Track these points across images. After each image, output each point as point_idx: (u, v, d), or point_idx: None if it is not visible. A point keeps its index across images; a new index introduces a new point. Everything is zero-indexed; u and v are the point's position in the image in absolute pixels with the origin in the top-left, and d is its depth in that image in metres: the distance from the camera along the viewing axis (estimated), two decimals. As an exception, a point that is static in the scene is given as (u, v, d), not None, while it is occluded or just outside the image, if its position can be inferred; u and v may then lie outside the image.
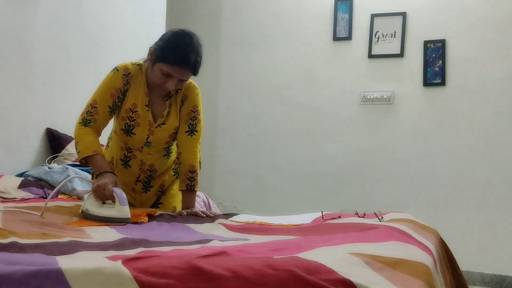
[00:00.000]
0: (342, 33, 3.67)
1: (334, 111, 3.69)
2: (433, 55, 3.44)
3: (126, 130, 1.97)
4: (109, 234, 1.47)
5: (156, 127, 1.97)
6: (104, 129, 2.00)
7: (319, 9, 3.75)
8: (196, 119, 2.02)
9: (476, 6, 3.37)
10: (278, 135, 3.83)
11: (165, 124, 1.98)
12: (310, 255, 1.05)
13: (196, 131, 2.02)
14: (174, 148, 2.10)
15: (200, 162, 2.07)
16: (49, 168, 2.53)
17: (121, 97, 1.96)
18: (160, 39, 1.92)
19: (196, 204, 3.05)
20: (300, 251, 1.11)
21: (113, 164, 2.05)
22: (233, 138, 3.97)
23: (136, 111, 1.95)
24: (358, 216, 1.77)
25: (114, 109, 1.96)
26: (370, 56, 3.60)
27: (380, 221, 1.64)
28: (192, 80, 2.02)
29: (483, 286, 3.20)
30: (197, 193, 3.29)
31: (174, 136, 2.03)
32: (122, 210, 1.68)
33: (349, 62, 3.67)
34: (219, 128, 4.00)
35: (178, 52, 1.84)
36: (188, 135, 2.01)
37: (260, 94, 3.90)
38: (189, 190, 2.00)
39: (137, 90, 1.96)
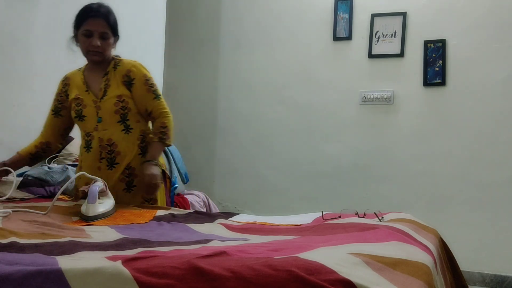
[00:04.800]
0: (342, 33, 3.67)
1: (334, 111, 3.69)
2: (433, 55, 3.44)
3: (78, 115, 2.16)
4: (109, 234, 1.47)
5: (100, 101, 2.14)
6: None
7: (319, 9, 3.75)
8: (153, 85, 2.19)
9: (476, 6, 3.37)
10: (278, 135, 3.83)
11: (106, 95, 2.14)
12: (310, 255, 1.05)
13: (159, 95, 2.21)
14: (135, 125, 2.17)
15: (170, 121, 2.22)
16: (49, 168, 2.52)
17: (62, 99, 2.24)
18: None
19: (196, 204, 3.05)
20: (300, 251, 1.11)
21: (81, 160, 2.22)
22: (233, 138, 3.96)
23: (79, 97, 2.17)
24: (358, 216, 1.77)
25: (57, 111, 2.26)
26: (370, 56, 3.60)
27: (380, 221, 1.64)
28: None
29: (483, 286, 3.20)
30: (197, 193, 3.31)
31: (120, 105, 2.13)
32: None
33: (349, 62, 3.67)
34: (219, 128, 4.00)
35: (83, 10, 2.12)
36: (154, 99, 2.18)
37: (260, 94, 3.89)
38: (160, 142, 2.17)
39: (76, 84, 2.21)
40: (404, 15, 3.52)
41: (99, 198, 1.78)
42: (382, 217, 1.70)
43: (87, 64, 2.24)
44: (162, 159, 2.31)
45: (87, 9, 2.11)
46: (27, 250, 1.17)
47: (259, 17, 3.92)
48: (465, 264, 2.22)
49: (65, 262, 1.01)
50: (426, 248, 1.34)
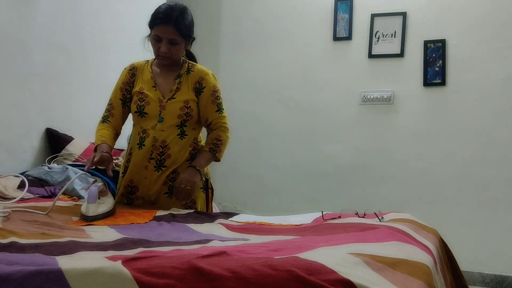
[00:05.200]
0: (342, 33, 3.67)
1: (334, 111, 3.69)
2: (433, 55, 3.44)
3: (139, 111, 2.12)
4: (109, 234, 1.47)
5: (166, 102, 2.12)
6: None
7: (319, 9, 3.75)
8: (219, 98, 2.21)
9: (476, 6, 3.37)
10: (278, 135, 3.83)
11: (174, 98, 2.12)
12: (310, 255, 1.05)
13: (223, 109, 2.23)
14: (190, 132, 2.16)
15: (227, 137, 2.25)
16: (49, 168, 2.52)
17: (130, 89, 2.18)
18: None
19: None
20: (300, 251, 1.11)
21: (130, 154, 2.16)
22: (233, 138, 3.91)
23: (144, 92, 2.13)
24: (358, 216, 1.77)
25: (125, 101, 2.18)
26: (370, 56, 3.60)
27: (380, 221, 1.64)
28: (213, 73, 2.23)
29: (483, 286, 3.20)
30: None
31: (185, 110, 2.12)
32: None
33: (349, 62, 3.67)
34: (219, 128, 4.00)
35: (155, 13, 2.07)
36: (217, 111, 2.20)
37: (260, 94, 3.89)
38: (210, 152, 2.17)
39: (143, 77, 2.18)
40: (404, 15, 3.52)
41: (99, 198, 1.78)
42: (382, 217, 1.70)
43: (155, 59, 2.21)
44: (208, 168, 2.28)
45: (158, 14, 2.06)
46: (27, 250, 1.17)
47: (259, 17, 3.92)
48: (465, 264, 2.22)
49: (65, 262, 1.01)
50: (426, 248, 1.34)
